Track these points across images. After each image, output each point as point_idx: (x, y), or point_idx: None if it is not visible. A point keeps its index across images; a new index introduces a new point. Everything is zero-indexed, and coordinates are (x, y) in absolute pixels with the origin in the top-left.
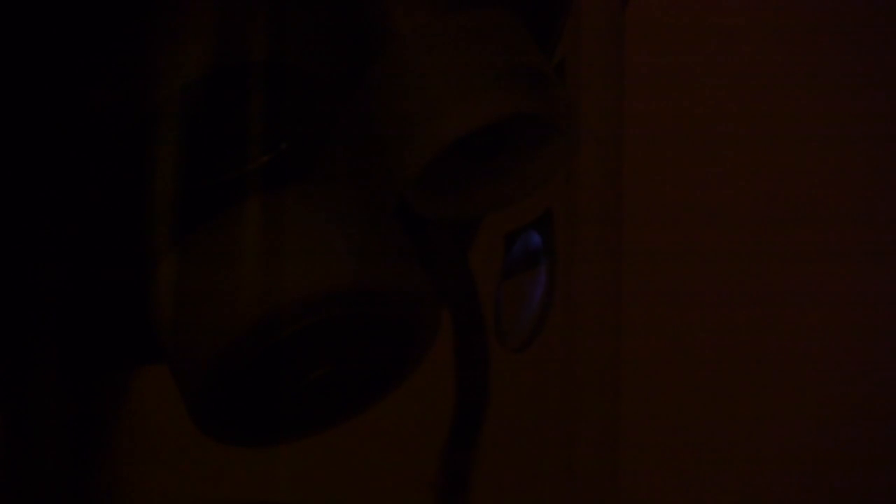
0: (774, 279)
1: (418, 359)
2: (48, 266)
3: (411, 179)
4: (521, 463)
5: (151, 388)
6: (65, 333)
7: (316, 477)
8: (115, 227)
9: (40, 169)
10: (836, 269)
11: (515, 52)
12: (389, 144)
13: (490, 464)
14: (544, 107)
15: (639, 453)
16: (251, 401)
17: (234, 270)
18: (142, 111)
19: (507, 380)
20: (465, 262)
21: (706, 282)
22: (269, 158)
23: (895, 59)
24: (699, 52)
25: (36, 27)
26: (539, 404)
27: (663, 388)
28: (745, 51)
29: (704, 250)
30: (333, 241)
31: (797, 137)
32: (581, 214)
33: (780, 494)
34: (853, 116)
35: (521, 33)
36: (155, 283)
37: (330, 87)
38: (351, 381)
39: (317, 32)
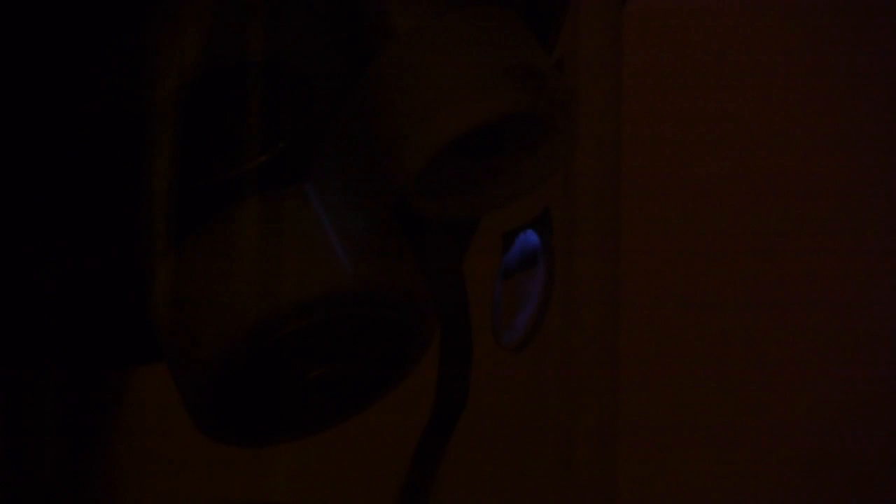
0: (773, 279)
1: (416, 359)
2: (48, 266)
3: (410, 178)
4: (520, 462)
5: (151, 388)
6: (65, 333)
7: (314, 477)
8: (115, 228)
9: (40, 169)
10: (836, 270)
11: (514, 50)
12: (388, 143)
13: (488, 463)
14: (542, 105)
15: (638, 453)
16: (251, 401)
17: (233, 271)
18: (140, 111)
19: (506, 379)
20: (458, 265)
21: (704, 281)
22: (267, 158)
23: (895, 59)
24: (698, 52)
25: (35, 27)
26: (537, 403)
27: (662, 388)
28: (744, 50)
29: (703, 249)
30: (331, 242)
31: (797, 137)
32: (579, 213)
33: (781, 494)
34: (853, 116)
35: (520, 30)
36: (154, 284)
37: (328, 87)
38: (349, 381)
39: (315, 32)
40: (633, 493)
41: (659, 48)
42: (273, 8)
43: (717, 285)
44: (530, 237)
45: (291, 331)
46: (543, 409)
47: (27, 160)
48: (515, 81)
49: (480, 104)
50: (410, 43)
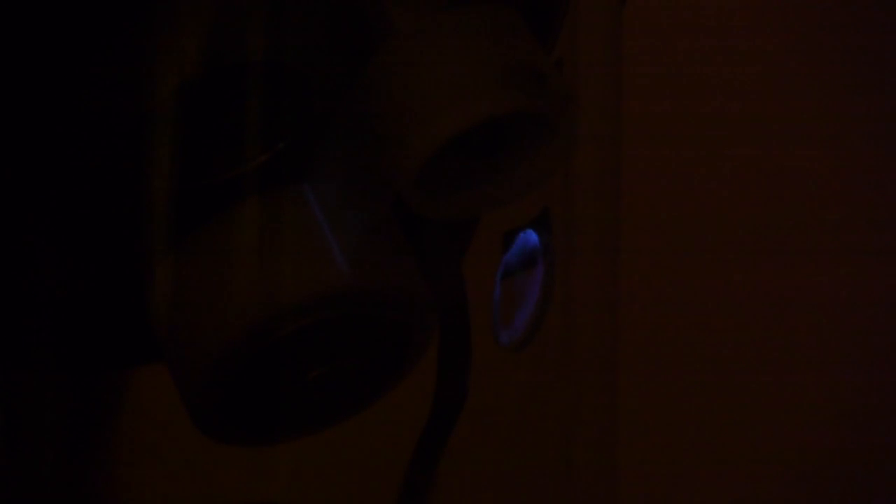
0: (774, 278)
1: (415, 358)
2: (48, 266)
3: (408, 178)
4: (520, 462)
5: (151, 388)
6: (65, 333)
7: (314, 477)
8: (115, 228)
9: (40, 169)
10: (836, 269)
11: (513, 50)
12: (386, 142)
13: (488, 463)
14: (542, 105)
15: (638, 453)
16: (250, 400)
17: (233, 271)
18: (140, 111)
19: (505, 379)
20: (457, 265)
21: (704, 281)
22: (266, 158)
23: (895, 59)
24: (698, 52)
25: (34, 27)
26: (537, 404)
27: (662, 388)
28: (744, 50)
29: (703, 249)
30: (331, 242)
31: (798, 137)
32: (579, 213)
33: (781, 494)
34: (854, 115)
35: (520, 30)
36: (154, 284)
37: (327, 86)
38: (349, 380)
39: (314, 31)
40: (633, 493)
41: (659, 48)
42: (273, 8)
43: (717, 285)
44: (530, 237)
45: (291, 331)
46: (543, 409)
47: (27, 160)
48: (515, 81)
49: (479, 103)
50: (409, 42)
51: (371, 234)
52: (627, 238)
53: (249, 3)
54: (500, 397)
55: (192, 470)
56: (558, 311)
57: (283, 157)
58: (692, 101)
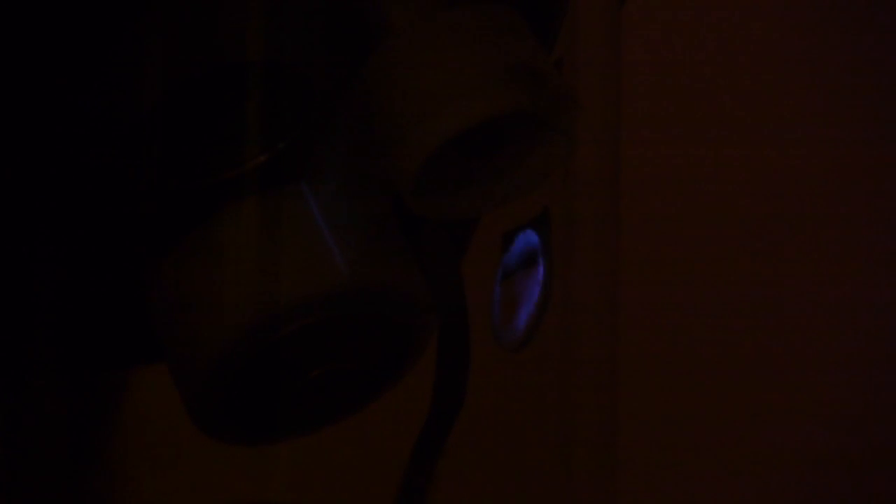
0: (774, 280)
1: (415, 358)
2: (48, 266)
3: (408, 178)
4: (520, 462)
5: (151, 388)
6: (64, 333)
7: (314, 477)
8: (115, 228)
9: (39, 169)
10: (836, 271)
11: (514, 49)
12: (385, 142)
13: (488, 464)
14: (541, 104)
15: (638, 453)
16: (250, 400)
17: (233, 270)
18: (139, 111)
19: (505, 379)
20: (457, 264)
21: (704, 282)
22: (266, 158)
23: (895, 59)
24: (697, 52)
25: (34, 27)
26: (537, 404)
27: (662, 389)
28: (744, 50)
29: (703, 249)
30: (330, 242)
31: (799, 136)
32: (579, 213)
33: (781, 494)
34: (853, 116)
35: (520, 30)
36: (154, 284)
37: (327, 86)
38: (349, 380)
39: (313, 31)
40: (633, 493)
41: (659, 48)
42: (272, 7)
43: (717, 285)
44: (530, 237)
45: (291, 330)
46: (543, 409)
47: (27, 161)
48: (515, 81)
49: (478, 103)
50: (408, 40)
51: (371, 234)
52: (627, 238)
53: (249, 3)
54: (500, 397)
55: (192, 470)
56: (558, 311)
57: (283, 157)
58: (692, 101)
